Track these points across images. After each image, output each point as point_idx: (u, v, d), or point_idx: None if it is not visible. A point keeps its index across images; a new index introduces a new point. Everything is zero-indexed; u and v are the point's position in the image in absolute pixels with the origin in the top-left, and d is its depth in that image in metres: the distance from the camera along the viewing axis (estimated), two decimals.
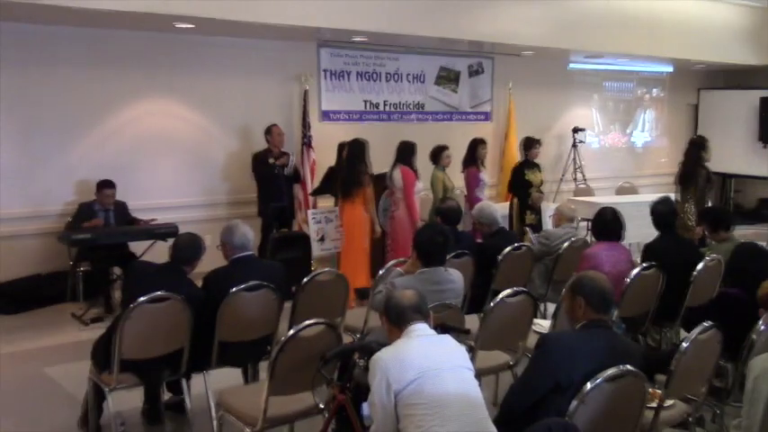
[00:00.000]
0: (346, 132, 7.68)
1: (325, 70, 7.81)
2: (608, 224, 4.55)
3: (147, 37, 6.68)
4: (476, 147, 7.46)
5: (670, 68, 11.11)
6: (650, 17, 8.80)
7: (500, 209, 5.27)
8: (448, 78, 8.83)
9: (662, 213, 4.77)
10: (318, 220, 6.70)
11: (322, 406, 3.19)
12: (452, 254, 4.37)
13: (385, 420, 2.52)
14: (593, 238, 4.83)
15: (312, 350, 3.04)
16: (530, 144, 7.55)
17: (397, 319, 2.67)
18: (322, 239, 6.69)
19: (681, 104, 11.58)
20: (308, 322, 3.09)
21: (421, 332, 2.61)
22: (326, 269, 4.48)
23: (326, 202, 7.29)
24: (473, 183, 7.40)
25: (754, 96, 10.63)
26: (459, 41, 7.84)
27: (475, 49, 8.67)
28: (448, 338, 2.68)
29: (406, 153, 6.66)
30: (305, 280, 4.10)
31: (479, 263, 4.75)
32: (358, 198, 6.33)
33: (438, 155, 7.13)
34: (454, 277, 3.59)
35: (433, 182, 7.11)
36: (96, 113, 6.58)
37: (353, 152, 6.39)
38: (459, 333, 2.82)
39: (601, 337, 2.73)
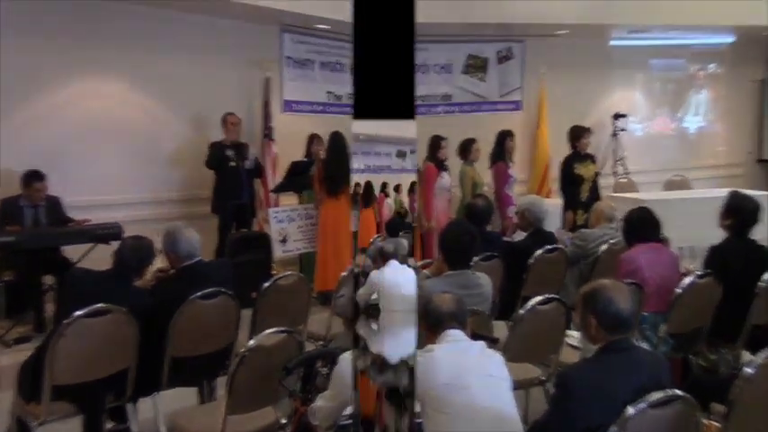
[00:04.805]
0: (310, 125, 7.37)
1: (288, 57, 7.44)
2: (633, 223, 4.18)
3: (89, 4, 6.08)
4: (504, 140, 7.13)
5: (730, 38, 9.38)
6: None
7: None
8: (476, 66, 8.43)
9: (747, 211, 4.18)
10: (281, 219, 6.58)
11: (284, 421, 3.18)
12: (480, 256, 4.29)
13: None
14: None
15: (273, 361, 3.02)
16: (578, 134, 6.99)
17: (435, 326, 2.71)
18: (284, 240, 6.57)
19: (743, 81, 10.30)
20: (268, 331, 3.10)
21: (452, 338, 2.65)
22: (288, 272, 4.43)
23: (289, 200, 7.06)
24: (502, 179, 7.08)
25: None
26: (487, 25, 7.38)
27: (503, 32, 8.12)
28: (480, 346, 2.69)
29: (432, 148, 6.83)
30: (266, 284, 4.10)
31: (509, 265, 4.56)
32: (344, 195, 6.26)
33: (467, 149, 6.94)
34: (482, 281, 3.60)
35: (462, 178, 6.93)
36: (23, 92, 5.89)
37: (337, 145, 6.30)
38: (487, 342, 2.78)
39: (628, 365, 2.46)
